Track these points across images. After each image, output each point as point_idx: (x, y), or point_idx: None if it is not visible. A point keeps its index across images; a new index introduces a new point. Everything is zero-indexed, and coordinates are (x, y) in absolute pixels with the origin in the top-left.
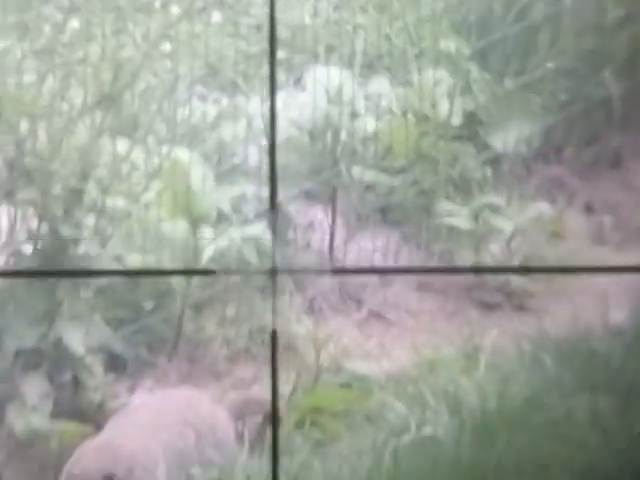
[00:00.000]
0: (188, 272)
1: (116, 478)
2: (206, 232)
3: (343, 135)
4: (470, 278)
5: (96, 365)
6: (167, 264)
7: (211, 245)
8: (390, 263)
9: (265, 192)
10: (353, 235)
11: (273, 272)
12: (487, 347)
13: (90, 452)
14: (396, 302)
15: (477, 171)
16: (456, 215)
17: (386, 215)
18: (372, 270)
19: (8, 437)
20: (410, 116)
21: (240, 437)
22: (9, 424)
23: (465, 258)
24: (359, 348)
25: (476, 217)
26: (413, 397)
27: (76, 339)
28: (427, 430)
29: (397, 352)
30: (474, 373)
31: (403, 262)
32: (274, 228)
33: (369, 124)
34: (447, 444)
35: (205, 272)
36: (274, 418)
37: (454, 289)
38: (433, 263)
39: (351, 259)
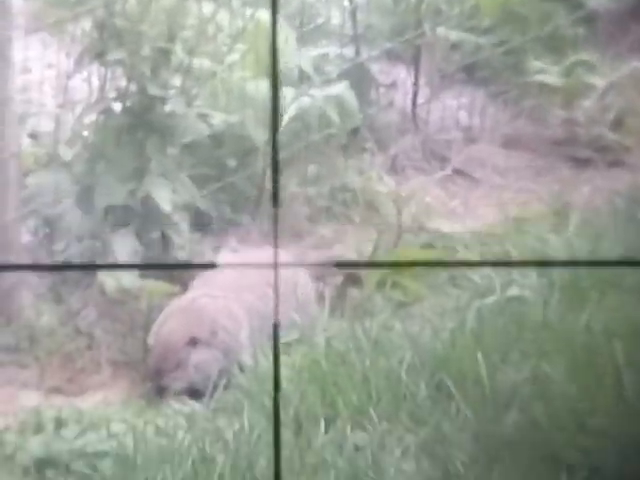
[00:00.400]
0: (190, 266)
1: (200, 342)
2: (288, 92)
3: None
4: (560, 133)
5: (183, 223)
6: (250, 123)
7: (293, 104)
8: (475, 121)
9: (348, 52)
10: (437, 94)
11: (275, 266)
12: (578, 204)
13: (175, 314)
14: (482, 159)
15: (569, 29)
16: (547, 72)
17: (472, 74)
18: None
19: (100, 295)
20: None
21: (321, 297)
22: (100, 282)
23: (556, 114)
24: (442, 207)
25: (568, 74)
26: (499, 256)
27: (164, 196)
28: (513, 290)
29: (482, 210)
30: (564, 231)
31: (489, 120)
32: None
33: None
34: (534, 305)
35: (206, 266)
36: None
37: (543, 145)
38: (522, 120)
39: (435, 117)
